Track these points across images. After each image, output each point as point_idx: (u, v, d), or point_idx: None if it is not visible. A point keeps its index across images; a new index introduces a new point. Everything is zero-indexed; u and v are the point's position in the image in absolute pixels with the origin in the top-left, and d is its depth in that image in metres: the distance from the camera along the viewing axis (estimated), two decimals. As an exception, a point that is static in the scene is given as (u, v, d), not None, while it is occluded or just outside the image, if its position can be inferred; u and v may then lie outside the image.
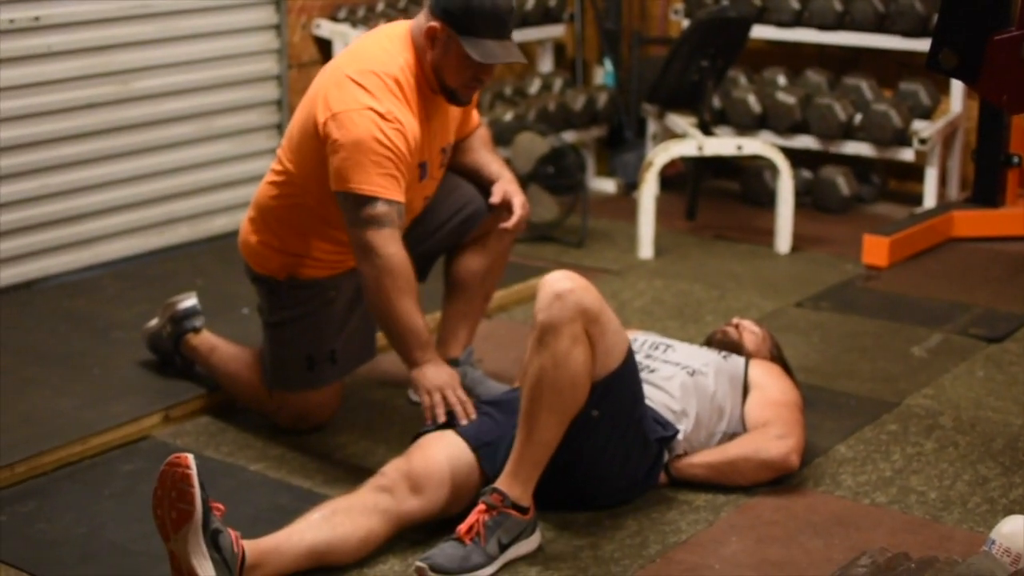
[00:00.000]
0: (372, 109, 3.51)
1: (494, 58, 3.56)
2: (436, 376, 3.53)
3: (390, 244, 3.53)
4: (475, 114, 3.99)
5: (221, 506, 2.96)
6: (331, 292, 3.81)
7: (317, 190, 3.66)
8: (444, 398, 3.48)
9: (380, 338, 4.07)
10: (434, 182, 3.83)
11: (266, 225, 3.82)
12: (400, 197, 3.55)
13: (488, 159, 3.99)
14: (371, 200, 3.51)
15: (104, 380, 4.17)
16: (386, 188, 3.52)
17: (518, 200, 3.92)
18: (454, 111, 3.81)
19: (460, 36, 3.53)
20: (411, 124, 3.57)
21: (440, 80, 3.62)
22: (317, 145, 3.59)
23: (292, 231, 3.77)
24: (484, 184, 3.97)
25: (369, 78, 3.55)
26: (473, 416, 3.43)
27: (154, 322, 4.24)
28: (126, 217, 5.39)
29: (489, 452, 3.31)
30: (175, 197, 5.54)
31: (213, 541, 2.89)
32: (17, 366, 4.28)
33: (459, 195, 3.97)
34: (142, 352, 4.28)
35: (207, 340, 4.10)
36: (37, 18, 4.97)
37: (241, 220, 3.97)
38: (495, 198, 3.91)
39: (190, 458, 2.90)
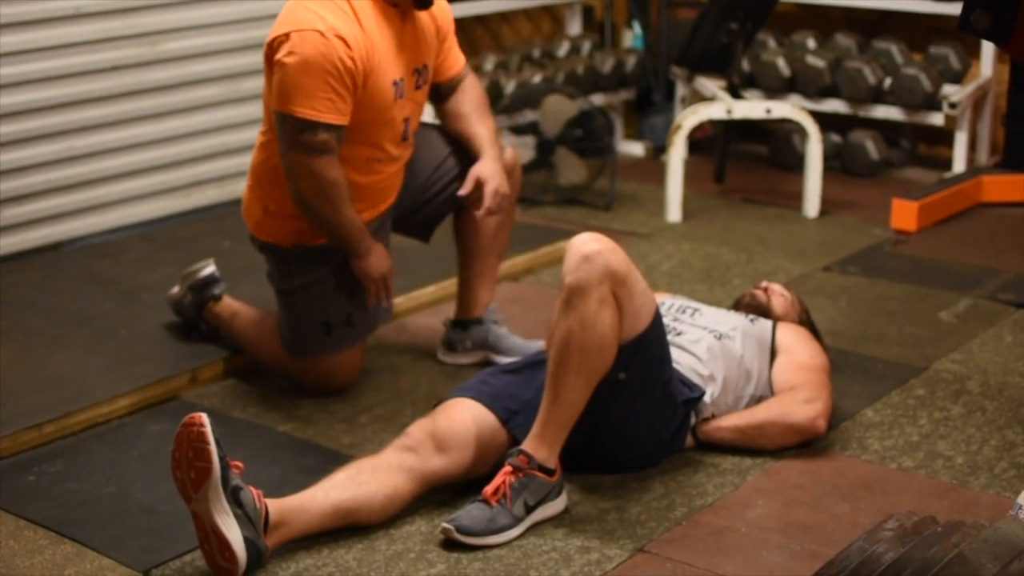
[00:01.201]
0: (313, 28, 3.50)
1: None
2: (379, 264, 3.77)
3: (332, 170, 3.58)
4: (458, 54, 3.95)
5: (240, 464, 2.97)
6: (338, 256, 3.80)
7: None
8: (386, 285, 3.80)
9: (402, 301, 4.08)
10: (414, 104, 3.79)
11: (263, 190, 3.81)
12: (342, 120, 3.55)
13: (476, 130, 3.93)
14: (313, 125, 3.52)
15: (131, 341, 4.19)
16: (329, 111, 3.52)
17: (490, 187, 3.84)
18: (428, 33, 3.79)
19: None
20: (358, 40, 3.54)
21: None
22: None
23: (287, 193, 3.73)
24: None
25: (308, 1, 3.56)
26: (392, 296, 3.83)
27: (175, 290, 4.24)
28: (152, 179, 5.40)
29: (516, 420, 3.31)
30: (201, 159, 5.54)
31: (234, 497, 2.90)
32: (45, 327, 4.29)
33: (456, 157, 3.97)
34: (168, 314, 4.29)
35: (229, 306, 4.10)
36: (64, -21, 4.99)
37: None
38: (464, 190, 3.87)
39: (204, 416, 2.90)
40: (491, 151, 3.89)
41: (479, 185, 3.85)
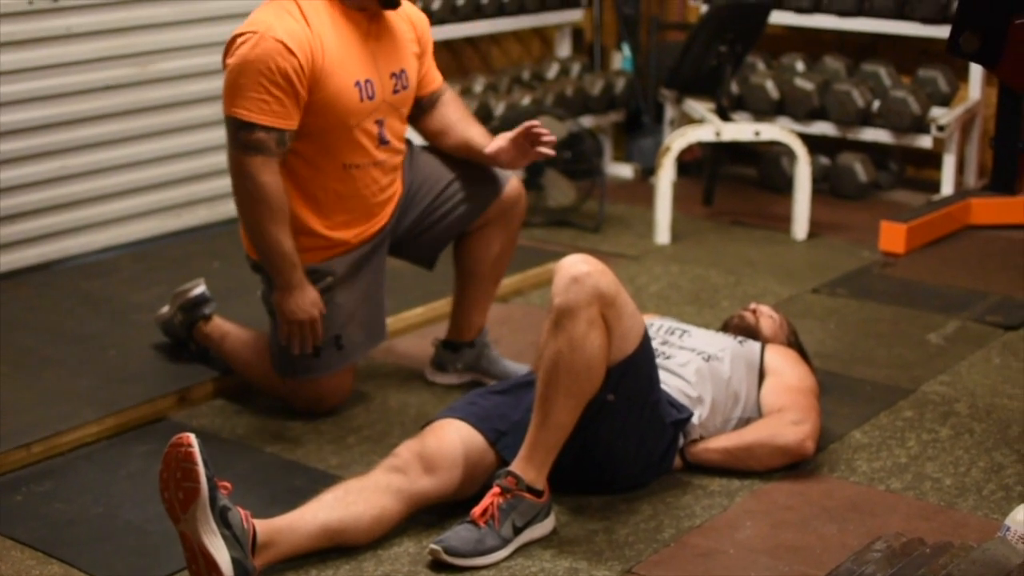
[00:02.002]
0: (254, 31, 3.55)
1: None
2: (299, 308, 3.71)
3: (264, 172, 3.58)
4: (435, 71, 3.96)
5: (228, 484, 2.96)
6: (327, 278, 3.79)
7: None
8: (302, 331, 3.73)
9: (391, 322, 4.08)
10: (390, 108, 3.77)
11: None
12: (280, 123, 3.57)
13: (470, 134, 3.94)
14: (249, 126, 3.55)
15: (121, 361, 4.18)
16: (264, 113, 3.55)
17: (517, 131, 3.84)
18: (405, 38, 3.80)
19: None
20: (301, 40, 3.56)
21: None
22: None
23: None
24: (480, 159, 3.93)
25: (262, 6, 3.63)
26: (309, 348, 3.75)
27: (165, 309, 4.24)
28: (144, 199, 5.40)
29: (505, 441, 3.31)
30: (193, 179, 5.55)
31: (222, 518, 2.89)
32: (34, 347, 4.29)
33: (459, 183, 3.96)
34: (158, 334, 4.29)
35: (219, 327, 4.10)
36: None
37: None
38: (490, 149, 3.87)
39: (192, 437, 2.90)
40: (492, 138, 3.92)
41: (501, 152, 3.85)
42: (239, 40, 3.58)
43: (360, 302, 3.87)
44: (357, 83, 3.66)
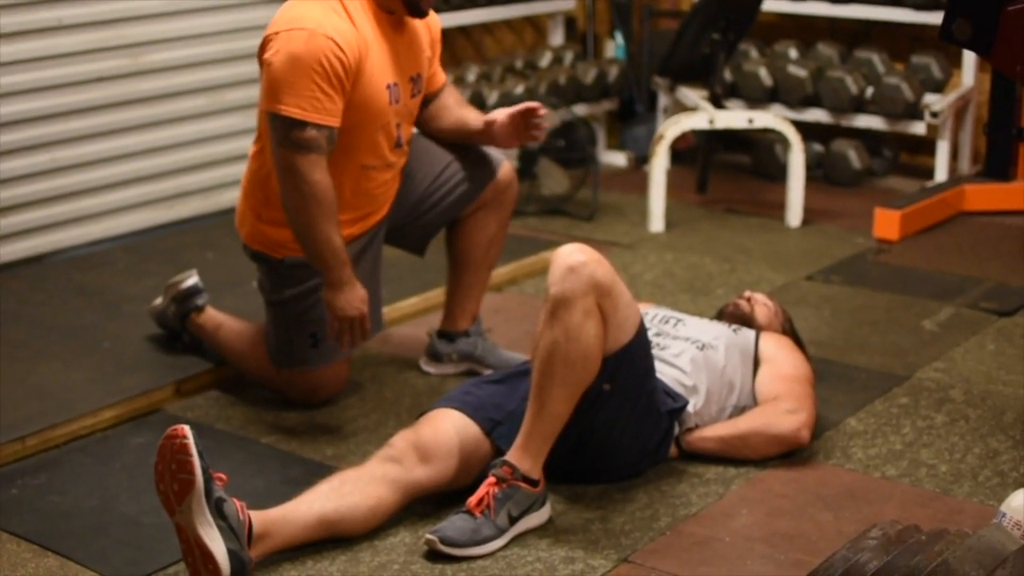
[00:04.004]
0: (303, 27, 3.50)
1: None
2: (349, 304, 3.64)
3: (316, 170, 3.53)
4: (441, 71, 3.98)
5: (224, 476, 2.96)
6: None
7: None
8: (352, 327, 3.66)
9: (385, 312, 4.08)
10: (407, 112, 3.80)
11: (256, 199, 3.80)
12: (331, 120, 3.54)
13: (463, 112, 3.97)
14: (301, 124, 3.50)
15: (115, 354, 4.18)
16: (316, 111, 3.51)
17: (515, 108, 3.87)
18: (423, 42, 3.80)
19: None
20: (349, 38, 3.54)
21: None
22: None
23: (280, 201, 3.71)
24: (471, 136, 3.95)
25: (302, 2, 3.57)
26: (358, 343, 3.69)
27: (158, 301, 4.23)
28: (136, 191, 5.39)
29: (500, 430, 3.31)
30: (185, 171, 5.54)
31: (217, 509, 2.89)
32: (28, 340, 4.28)
33: (454, 168, 3.96)
34: (152, 326, 4.28)
35: (212, 318, 4.09)
36: (47, -9, 4.98)
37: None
38: (486, 118, 3.90)
39: (186, 428, 2.90)
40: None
41: (496, 125, 3.88)
42: (283, 35, 3.51)
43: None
44: (388, 85, 3.66)
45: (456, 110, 3.97)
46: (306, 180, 3.53)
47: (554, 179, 5.69)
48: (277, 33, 3.53)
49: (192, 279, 4.15)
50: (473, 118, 3.94)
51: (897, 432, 3.73)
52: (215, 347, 4.07)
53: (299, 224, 3.60)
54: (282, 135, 3.52)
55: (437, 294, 4.50)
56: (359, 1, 3.62)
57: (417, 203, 3.95)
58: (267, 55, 3.53)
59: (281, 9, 3.61)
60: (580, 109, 6.26)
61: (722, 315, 3.96)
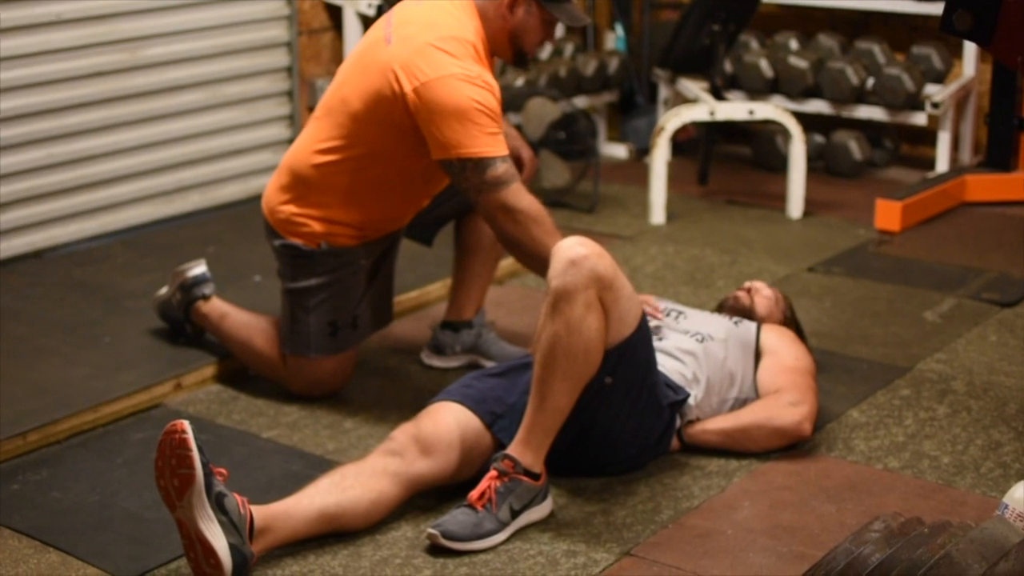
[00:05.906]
0: (464, 74, 3.50)
1: (579, 20, 3.72)
2: None
3: (523, 197, 3.53)
4: None
5: (224, 470, 2.96)
6: (361, 260, 3.82)
7: (390, 160, 3.66)
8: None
9: (396, 303, 4.08)
10: None
11: (307, 194, 3.76)
12: (507, 152, 3.57)
13: None
14: (492, 162, 3.51)
15: (115, 349, 4.17)
16: (499, 147, 3.52)
17: (526, 153, 3.96)
18: None
19: (542, 1, 3.64)
20: (495, 85, 3.57)
21: (517, 45, 3.68)
22: (397, 116, 3.56)
23: (340, 201, 3.72)
24: None
25: (452, 44, 3.54)
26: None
27: (164, 290, 4.23)
28: (135, 185, 5.38)
29: (501, 423, 3.31)
30: (184, 165, 5.53)
31: (218, 504, 2.89)
32: (28, 336, 4.27)
33: None
34: (153, 321, 4.28)
35: (217, 307, 4.09)
36: (45, -14, 4.97)
37: (257, 186, 3.95)
38: None
39: (185, 423, 2.89)
40: (512, 131, 3.98)
41: (514, 154, 3.90)
42: (450, 82, 3.47)
43: (380, 283, 3.93)
44: None
45: None
46: (519, 208, 3.51)
47: (555, 171, 5.68)
48: (439, 79, 3.49)
49: (200, 267, 4.15)
50: None
51: (899, 424, 3.72)
52: (219, 336, 4.07)
53: (524, 251, 3.57)
54: (477, 179, 3.50)
55: (437, 288, 4.49)
56: (482, 46, 3.62)
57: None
58: (433, 104, 3.49)
59: (419, 51, 3.53)
60: (581, 101, 6.26)
61: (723, 308, 3.96)
